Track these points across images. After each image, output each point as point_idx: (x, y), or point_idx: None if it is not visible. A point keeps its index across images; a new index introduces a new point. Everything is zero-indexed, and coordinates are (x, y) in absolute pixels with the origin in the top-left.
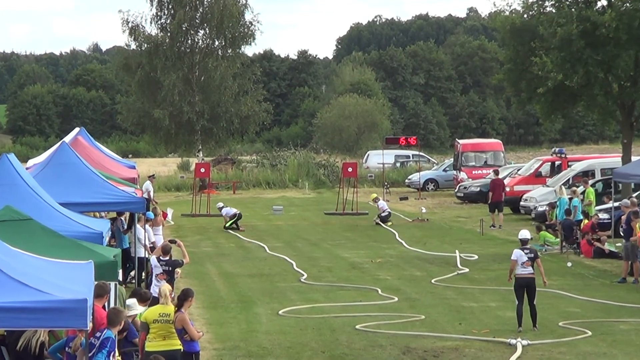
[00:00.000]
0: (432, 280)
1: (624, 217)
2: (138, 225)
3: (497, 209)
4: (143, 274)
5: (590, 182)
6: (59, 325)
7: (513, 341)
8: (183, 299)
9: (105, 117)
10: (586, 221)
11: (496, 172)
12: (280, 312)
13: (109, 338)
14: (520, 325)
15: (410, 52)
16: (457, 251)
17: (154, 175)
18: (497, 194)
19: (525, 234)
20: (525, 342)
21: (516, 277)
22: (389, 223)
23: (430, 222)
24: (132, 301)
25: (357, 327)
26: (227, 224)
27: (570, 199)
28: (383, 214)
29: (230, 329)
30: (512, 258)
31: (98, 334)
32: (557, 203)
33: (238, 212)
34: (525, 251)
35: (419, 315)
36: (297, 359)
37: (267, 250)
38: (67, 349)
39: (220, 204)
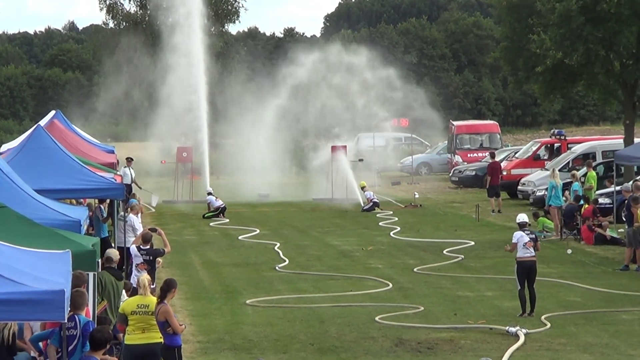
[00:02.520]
0: (415, 269)
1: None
2: (131, 215)
3: (496, 193)
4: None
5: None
6: (35, 318)
7: (512, 329)
8: (166, 289)
9: (82, 99)
10: (587, 206)
11: (492, 155)
12: (247, 301)
13: (88, 323)
14: (524, 310)
15: (402, 29)
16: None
17: (131, 159)
18: (495, 178)
19: (523, 217)
20: (524, 331)
21: (519, 260)
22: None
23: (423, 208)
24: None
25: (377, 318)
26: (208, 214)
27: (570, 182)
28: (366, 207)
29: (215, 320)
30: (513, 241)
31: (71, 324)
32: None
33: (223, 205)
34: (527, 232)
35: (418, 307)
36: (285, 352)
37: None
38: (49, 341)
39: (210, 189)
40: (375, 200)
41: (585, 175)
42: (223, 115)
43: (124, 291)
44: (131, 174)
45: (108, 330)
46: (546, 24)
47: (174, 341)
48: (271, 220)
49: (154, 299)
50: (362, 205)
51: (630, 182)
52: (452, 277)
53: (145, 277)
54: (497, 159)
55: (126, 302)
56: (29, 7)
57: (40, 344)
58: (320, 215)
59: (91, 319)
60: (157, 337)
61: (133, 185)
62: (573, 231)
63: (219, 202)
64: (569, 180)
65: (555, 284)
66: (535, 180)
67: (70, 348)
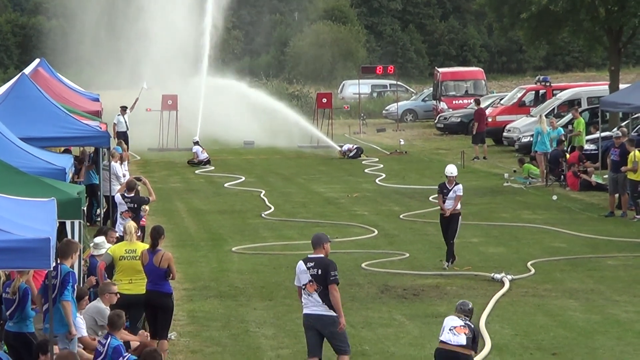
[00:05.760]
0: (400, 216)
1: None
2: (113, 162)
3: (481, 140)
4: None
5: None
6: (21, 266)
7: (497, 276)
8: (157, 237)
9: (66, 47)
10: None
11: (477, 102)
12: (233, 249)
13: (69, 273)
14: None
15: None
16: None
17: (125, 107)
18: (482, 124)
19: (452, 169)
20: (510, 277)
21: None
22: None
23: (409, 155)
24: (100, 239)
25: (363, 265)
26: (191, 161)
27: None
28: (351, 154)
29: (201, 268)
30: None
31: (54, 272)
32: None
33: (208, 158)
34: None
35: (404, 253)
36: (271, 299)
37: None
38: (4, 294)
39: (196, 139)
40: (355, 149)
41: (571, 121)
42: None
43: (104, 239)
44: (125, 122)
45: (75, 242)
46: None
47: (169, 288)
48: (256, 167)
49: (141, 245)
50: (340, 150)
51: (615, 129)
52: (438, 224)
53: (132, 223)
54: (483, 105)
55: (115, 247)
56: None
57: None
58: (306, 162)
59: (74, 269)
60: (142, 288)
61: (129, 110)
62: (558, 177)
63: (204, 155)
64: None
65: (541, 230)
66: (521, 126)
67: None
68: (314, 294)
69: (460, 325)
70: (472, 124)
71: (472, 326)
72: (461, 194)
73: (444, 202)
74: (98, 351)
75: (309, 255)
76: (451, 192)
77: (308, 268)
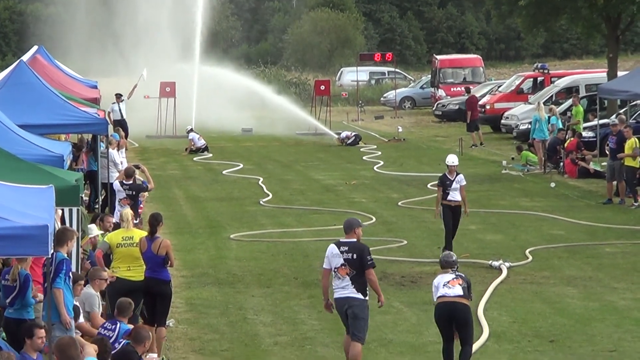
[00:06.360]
0: (399, 203)
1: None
2: (110, 150)
3: (476, 127)
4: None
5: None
6: (19, 253)
7: (495, 263)
8: (156, 224)
9: (64, 34)
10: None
11: (468, 90)
12: (231, 236)
13: (62, 260)
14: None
15: None
16: None
17: (120, 95)
18: (475, 112)
19: (453, 159)
20: (507, 265)
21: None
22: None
23: (407, 142)
24: (91, 226)
25: None
26: (189, 149)
27: (550, 116)
28: (349, 141)
29: (199, 255)
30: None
31: (49, 260)
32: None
33: (205, 145)
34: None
35: (402, 240)
36: (269, 286)
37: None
38: (3, 281)
39: (190, 127)
40: (353, 136)
41: (570, 108)
42: (205, 50)
43: (95, 225)
44: (120, 110)
45: (71, 230)
46: None
47: (168, 275)
48: (255, 154)
49: (138, 232)
50: (338, 138)
51: (613, 116)
52: (434, 211)
53: (128, 210)
54: (481, 92)
55: (112, 234)
56: None
57: None
58: (304, 149)
59: (71, 257)
60: (140, 275)
61: (125, 98)
62: (556, 165)
63: (202, 142)
64: (548, 115)
65: (539, 218)
66: (519, 114)
67: (45, 285)
68: (345, 277)
69: (453, 278)
70: (467, 112)
71: (463, 275)
72: (465, 183)
73: (445, 195)
74: (105, 335)
75: (341, 240)
76: (454, 183)
77: (342, 252)
